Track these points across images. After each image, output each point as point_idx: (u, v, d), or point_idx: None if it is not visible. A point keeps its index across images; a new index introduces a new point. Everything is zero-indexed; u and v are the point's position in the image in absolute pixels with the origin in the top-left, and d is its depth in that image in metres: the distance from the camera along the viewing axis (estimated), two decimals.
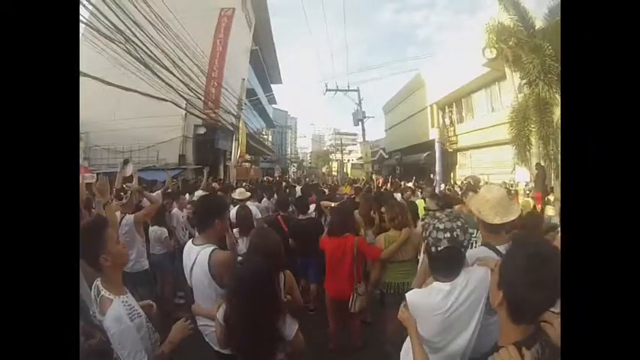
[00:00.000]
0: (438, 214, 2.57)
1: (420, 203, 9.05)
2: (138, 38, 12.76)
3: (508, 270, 1.68)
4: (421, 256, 3.72)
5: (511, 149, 19.38)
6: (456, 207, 6.24)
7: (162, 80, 14.33)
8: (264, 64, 40.60)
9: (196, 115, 19.88)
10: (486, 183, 19.92)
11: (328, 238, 5.30)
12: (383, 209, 5.98)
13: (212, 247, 3.34)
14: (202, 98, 19.62)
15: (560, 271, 1.45)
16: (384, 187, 15.44)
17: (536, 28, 14.93)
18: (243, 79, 26.42)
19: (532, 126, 14.38)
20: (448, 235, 2.34)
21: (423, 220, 2.75)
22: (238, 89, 24.56)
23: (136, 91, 12.89)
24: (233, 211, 6.10)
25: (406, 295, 2.52)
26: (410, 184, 17.07)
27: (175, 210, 8.15)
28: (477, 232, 3.87)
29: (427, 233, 2.45)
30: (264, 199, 10.28)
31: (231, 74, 23.99)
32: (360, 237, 5.41)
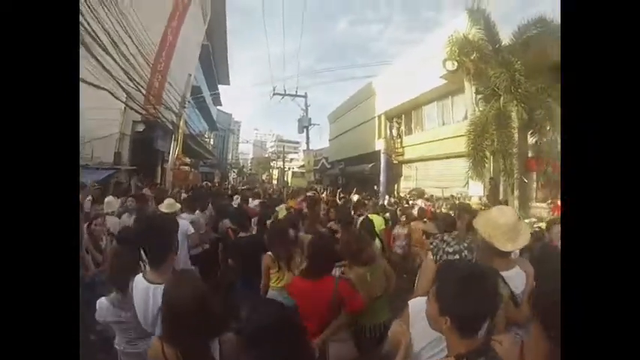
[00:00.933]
0: (445, 237, 2.78)
1: (375, 218, 8.55)
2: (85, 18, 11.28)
3: (444, 290, 1.88)
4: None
5: (460, 163, 19.86)
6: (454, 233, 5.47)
7: (102, 66, 12.83)
8: (213, 62, 38.85)
9: (136, 110, 18.11)
10: (431, 196, 20.07)
11: (301, 280, 4.00)
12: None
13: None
14: (144, 92, 18.03)
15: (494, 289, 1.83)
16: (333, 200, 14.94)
17: (503, 44, 15.09)
18: (190, 75, 24.51)
19: (488, 141, 14.35)
20: (457, 257, 2.53)
21: (431, 243, 2.71)
22: (183, 85, 22.83)
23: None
24: None
25: (410, 302, 2.56)
26: (356, 196, 16.70)
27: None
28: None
29: (438, 257, 2.67)
30: (197, 211, 8.87)
31: (177, 68, 22.29)
32: (342, 280, 4.18)
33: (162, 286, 2.56)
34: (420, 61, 21.98)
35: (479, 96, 16.10)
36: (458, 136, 18.84)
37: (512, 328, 2.89)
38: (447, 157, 21.72)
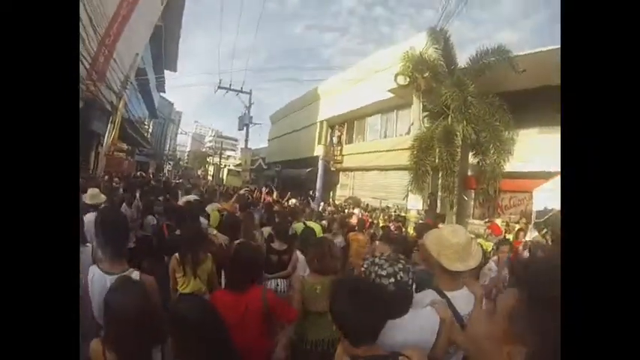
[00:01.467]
0: (377, 259, 2.59)
1: (314, 226, 8.52)
2: None
3: (338, 303, 2.14)
4: None
5: (397, 175, 20.87)
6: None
7: None
8: (163, 45, 37.07)
9: None
10: (367, 205, 20.43)
11: (225, 293, 3.69)
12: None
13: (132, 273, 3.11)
14: (87, 66, 16.97)
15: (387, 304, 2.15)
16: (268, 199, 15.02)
17: (458, 66, 15.64)
18: (137, 55, 23.44)
19: (431, 157, 14.73)
20: (392, 279, 2.39)
21: (362, 266, 2.62)
22: (128, 64, 21.86)
23: None
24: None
25: None
26: (293, 201, 16.85)
27: None
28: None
29: (370, 280, 2.46)
30: (124, 204, 8.57)
31: (125, 46, 20.99)
32: (269, 291, 4.13)
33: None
34: (368, 73, 22.45)
35: (425, 113, 16.64)
36: (399, 150, 19.48)
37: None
38: (386, 169, 22.33)
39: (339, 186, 28.59)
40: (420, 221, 14.15)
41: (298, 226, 8.23)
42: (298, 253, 5.89)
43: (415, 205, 16.27)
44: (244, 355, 2.94)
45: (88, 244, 4.07)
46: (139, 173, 28.03)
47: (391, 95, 19.67)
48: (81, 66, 15.85)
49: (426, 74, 15.67)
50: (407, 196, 16.43)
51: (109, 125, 20.48)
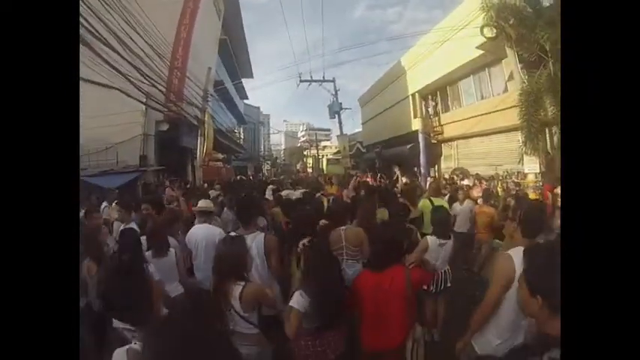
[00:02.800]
0: None
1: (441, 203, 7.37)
2: (88, 22, 10.35)
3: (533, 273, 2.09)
4: None
5: (503, 138, 19.47)
6: None
7: (118, 71, 12.11)
8: (234, 56, 38.12)
9: (158, 110, 17.42)
10: (477, 174, 18.77)
11: (369, 273, 3.81)
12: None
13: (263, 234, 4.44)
14: (164, 91, 17.22)
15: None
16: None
17: (543, 4, 13.68)
18: (210, 68, 23.58)
19: (542, 111, 13.06)
20: None
21: None
22: (204, 80, 22.01)
23: (89, 81, 10.90)
24: (198, 238, 5.23)
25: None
26: (404, 179, 15.70)
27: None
28: None
29: None
30: (225, 209, 8.08)
31: (196, 64, 21.46)
32: (414, 267, 4.26)
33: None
34: (449, 33, 20.62)
35: (520, 65, 14.89)
36: (500, 110, 18.11)
37: None
38: (490, 133, 20.56)
39: (442, 158, 26.89)
40: (539, 185, 13.07)
41: (424, 205, 7.45)
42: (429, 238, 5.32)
43: (533, 167, 14.50)
44: (383, 347, 3.67)
45: (171, 248, 4.76)
46: (238, 177, 28.87)
47: (479, 53, 18.41)
48: (157, 91, 16.20)
49: (512, 21, 13.93)
50: (521, 159, 14.84)
51: (199, 138, 20.79)
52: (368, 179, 16.66)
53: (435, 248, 5.08)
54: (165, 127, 19.47)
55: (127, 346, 2.18)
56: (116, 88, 12.72)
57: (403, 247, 4.12)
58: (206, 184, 17.12)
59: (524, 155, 14.31)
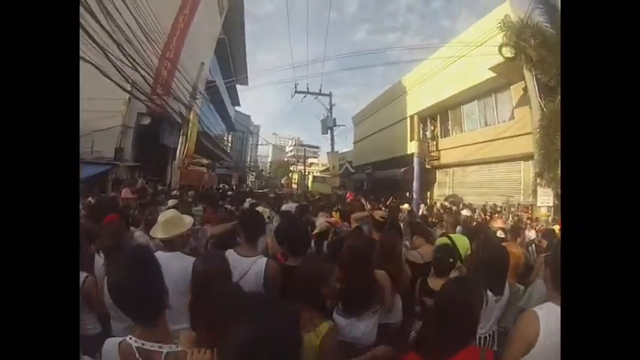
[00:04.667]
0: None
1: (458, 239, 5.80)
2: None
3: None
4: None
5: (510, 168, 18.95)
6: None
7: (103, 50, 11.14)
8: (230, 58, 37.01)
9: (142, 100, 16.13)
10: (469, 204, 17.77)
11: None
12: None
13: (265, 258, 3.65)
14: (150, 81, 16.01)
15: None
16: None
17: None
18: (202, 63, 22.22)
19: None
20: None
21: None
22: (195, 75, 20.74)
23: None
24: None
25: None
26: (406, 205, 14.21)
27: None
28: None
29: None
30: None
31: (189, 58, 20.19)
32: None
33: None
34: (456, 57, 19.99)
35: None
36: (505, 138, 17.72)
37: None
38: (493, 162, 19.87)
39: (436, 185, 26.08)
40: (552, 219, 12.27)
41: (441, 241, 5.39)
42: None
43: (546, 200, 13.42)
44: None
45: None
46: (221, 185, 28.83)
47: (486, 77, 17.84)
48: (144, 81, 15.24)
49: (533, 41, 13.10)
50: (533, 190, 14.05)
51: (181, 138, 19.48)
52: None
53: (490, 306, 3.55)
54: (147, 120, 18.06)
55: (119, 339, 2.06)
56: (100, 69, 11.56)
57: (479, 316, 2.57)
58: (175, 190, 15.83)
59: (539, 187, 13.43)
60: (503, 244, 6.95)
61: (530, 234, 8.97)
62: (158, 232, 3.72)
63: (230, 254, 3.49)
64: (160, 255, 3.17)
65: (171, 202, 6.89)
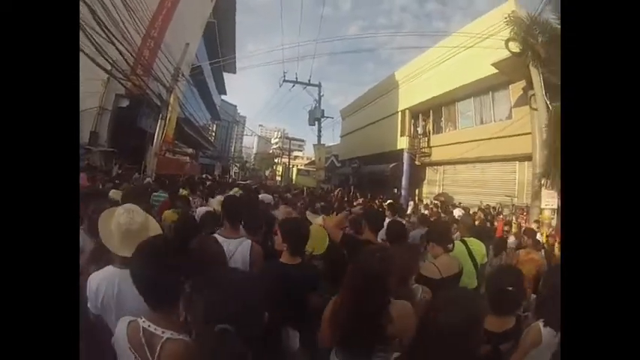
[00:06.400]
0: None
1: (474, 244, 5.14)
2: None
3: None
4: None
5: (505, 168, 18.71)
6: None
7: (85, 31, 10.56)
8: (219, 45, 35.63)
9: (120, 81, 15.22)
10: (460, 204, 17.21)
11: None
12: None
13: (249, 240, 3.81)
14: (131, 61, 14.97)
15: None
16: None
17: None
18: (187, 44, 20.64)
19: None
20: None
21: None
22: (178, 56, 19.32)
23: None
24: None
25: None
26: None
27: None
28: None
29: None
30: None
31: (175, 38, 19.08)
32: None
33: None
34: (454, 52, 19.46)
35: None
36: (501, 137, 17.51)
37: None
38: (488, 161, 19.46)
39: (425, 182, 25.44)
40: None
41: (460, 251, 4.78)
42: None
43: (550, 202, 12.87)
44: None
45: None
46: (204, 175, 27.91)
47: (485, 74, 17.39)
48: (124, 62, 14.38)
49: (541, 38, 12.54)
50: (535, 192, 13.63)
51: (160, 122, 18.10)
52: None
53: (549, 342, 2.71)
54: (125, 102, 17.05)
55: (131, 318, 2.10)
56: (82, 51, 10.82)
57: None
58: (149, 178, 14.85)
59: (543, 188, 12.85)
60: (524, 251, 6.31)
61: (510, 240, 8.54)
62: (118, 247, 2.61)
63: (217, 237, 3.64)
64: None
65: (112, 194, 5.90)
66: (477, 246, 5.08)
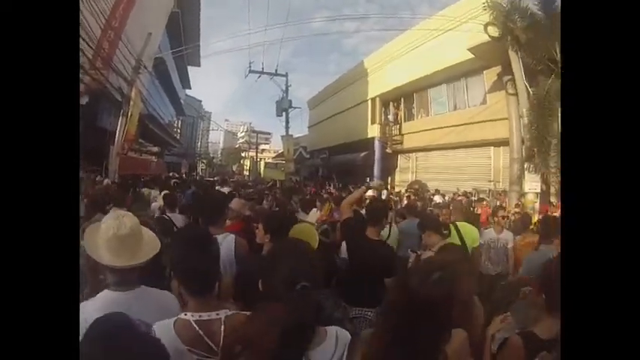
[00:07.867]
0: None
1: (466, 228, 5.40)
2: None
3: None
4: None
5: (479, 154, 18.97)
6: None
7: None
8: (183, 36, 34.30)
9: (78, 76, 14.08)
10: (436, 190, 17.16)
11: None
12: None
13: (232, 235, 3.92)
14: (90, 55, 14.06)
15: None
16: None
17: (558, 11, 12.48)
18: (150, 34, 19.43)
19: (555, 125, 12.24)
20: None
21: None
22: (140, 47, 18.31)
23: None
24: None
25: None
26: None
27: None
28: None
29: None
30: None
31: (136, 28, 18.01)
32: None
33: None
34: (424, 39, 19.68)
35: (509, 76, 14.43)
36: (476, 122, 17.61)
37: None
38: (463, 147, 19.57)
39: (398, 170, 25.43)
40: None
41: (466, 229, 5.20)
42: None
43: (533, 186, 13.22)
44: None
45: None
46: (170, 174, 26.96)
47: (457, 60, 17.55)
48: (82, 55, 13.26)
49: (520, 23, 12.89)
50: (517, 176, 13.91)
51: (121, 119, 17.06)
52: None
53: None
54: (84, 100, 15.76)
55: (171, 319, 1.96)
56: None
57: None
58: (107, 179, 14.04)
59: (526, 172, 13.26)
60: (519, 237, 6.22)
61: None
62: (107, 256, 2.20)
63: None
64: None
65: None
66: (469, 230, 5.32)
